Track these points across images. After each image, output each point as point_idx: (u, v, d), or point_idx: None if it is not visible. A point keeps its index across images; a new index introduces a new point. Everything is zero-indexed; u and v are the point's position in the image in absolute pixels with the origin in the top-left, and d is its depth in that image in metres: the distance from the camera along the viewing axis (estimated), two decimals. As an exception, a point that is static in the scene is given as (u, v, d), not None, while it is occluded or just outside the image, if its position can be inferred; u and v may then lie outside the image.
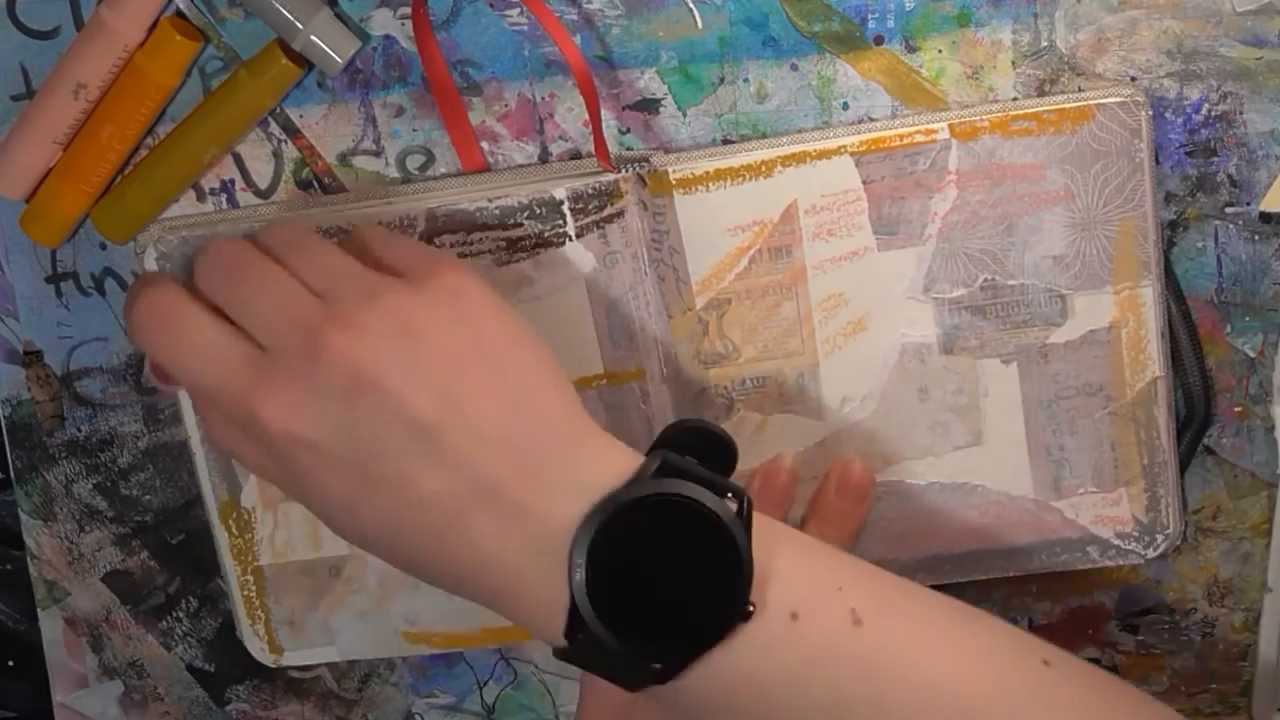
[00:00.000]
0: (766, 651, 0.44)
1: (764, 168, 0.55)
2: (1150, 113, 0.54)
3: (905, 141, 0.55)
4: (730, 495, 0.44)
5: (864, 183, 0.55)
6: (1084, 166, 0.55)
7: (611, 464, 0.44)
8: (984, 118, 0.55)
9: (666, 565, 0.43)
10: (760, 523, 0.45)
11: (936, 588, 0.61)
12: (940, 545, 0.59)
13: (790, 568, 0.45)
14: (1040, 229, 0.55)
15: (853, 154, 0.55)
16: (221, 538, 0.61)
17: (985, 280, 0.56)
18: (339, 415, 0.43)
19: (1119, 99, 0.54)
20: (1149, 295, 0.56)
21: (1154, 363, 0.57)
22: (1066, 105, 0.54)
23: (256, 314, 0.45)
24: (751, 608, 0.43)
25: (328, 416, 0.43)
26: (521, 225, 0.56)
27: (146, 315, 0.46)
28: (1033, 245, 0.56)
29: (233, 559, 0.62)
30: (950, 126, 0.55)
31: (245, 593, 0.62)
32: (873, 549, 0.59)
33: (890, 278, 0.56)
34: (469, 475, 0.43)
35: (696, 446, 0.45)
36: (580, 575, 0.42)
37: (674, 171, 0.55)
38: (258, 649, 0.63)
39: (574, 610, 0.43)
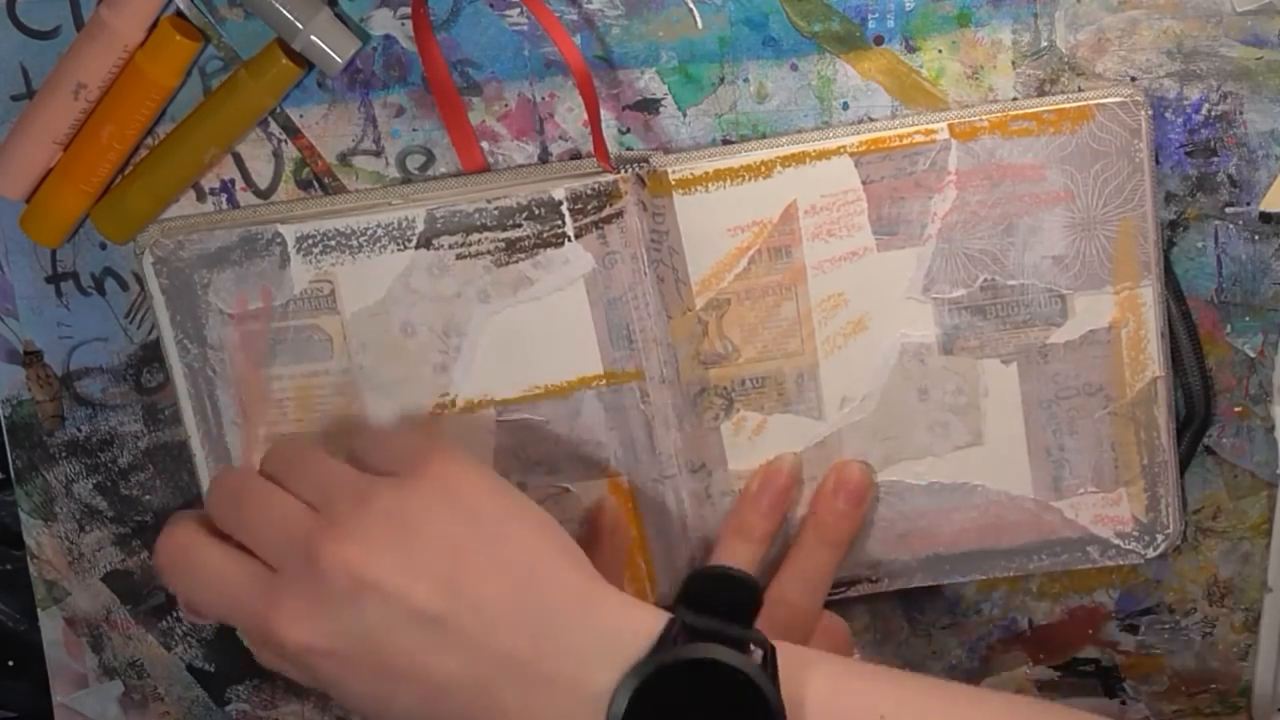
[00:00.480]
0: None
1: (764, 168, 0.55)
2: (1150, 113, 0.54)
3: (905, 142, 0.55)
4: (754, 646, 0.45)
5: (864, 183, 0.55)
6: (1084, 166, 0.55)
7: (633, 624, 0.45)
8: (984, 118, 0.55)
9: (700, 717, 0.44)
10: (790, 656, 0.45)
11: (936, 587, 0.61)
12: (940, 545, 0.59)
13: (825, 699, 0.46)
14: (1040, 229, 0.55)
15: (852, 154, 0.55)
16: (221, 538, 0.61)
17: (985, 280, 0.56)
18: (346, 620, 0.45)
19: (1119, 99, 0.54)
20: (1149, 295, 0.56)
21: (1154, 363, 0.57)
22: (1066, 105, 0.54)
23: (259, 536, 0.48)
24: None
25: (336, 623, 0.45)
26: (521, 226, 0.56)
27: (165, 556, 0.50)
28: (1033, 245, 0.56)
29: (233, 559, 0.62)
30: (950, 127, 0.55)
31: (245, 593, 0.62)
32: (873, 549, 0.59)
33: (890, 278, 0.56)
34: (484, 655, 0.45)
35: (718, 592, 0.46)
36: None
37: (673, 172, 0.55)
38: (258, 649, 0.63)
39: None
